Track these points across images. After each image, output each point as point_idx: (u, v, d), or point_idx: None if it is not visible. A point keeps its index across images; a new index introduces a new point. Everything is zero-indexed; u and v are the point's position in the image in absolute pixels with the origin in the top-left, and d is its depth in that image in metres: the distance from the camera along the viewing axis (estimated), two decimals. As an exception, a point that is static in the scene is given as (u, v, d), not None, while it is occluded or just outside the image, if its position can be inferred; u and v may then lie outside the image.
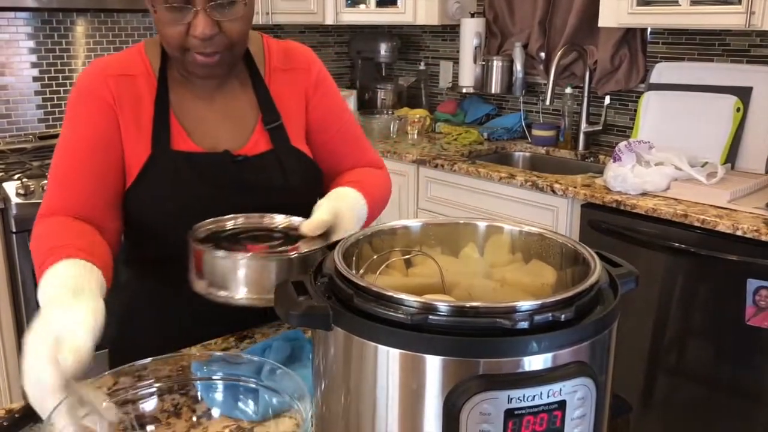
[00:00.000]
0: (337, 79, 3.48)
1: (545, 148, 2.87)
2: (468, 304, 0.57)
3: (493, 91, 3.00)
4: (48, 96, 2.72)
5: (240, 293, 0.89)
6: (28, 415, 0.90)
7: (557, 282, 0.74)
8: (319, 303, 0.63)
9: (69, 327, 0.79)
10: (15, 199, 2.08)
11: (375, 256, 0.77)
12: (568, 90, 2.81)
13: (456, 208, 2.61)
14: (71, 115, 1.14)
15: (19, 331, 2.20)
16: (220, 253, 0.91)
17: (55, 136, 2.63)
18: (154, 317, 1.19)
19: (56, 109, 2.75)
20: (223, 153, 1.14)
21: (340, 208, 1.06)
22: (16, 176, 2.19)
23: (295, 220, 1.05)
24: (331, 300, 0.64)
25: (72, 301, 0.84)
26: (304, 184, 1.19)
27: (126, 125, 1.12)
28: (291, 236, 1.01)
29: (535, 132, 2.92)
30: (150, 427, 0.84)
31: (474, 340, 0.56)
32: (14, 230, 2.09)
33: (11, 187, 2.11)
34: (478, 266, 0.79)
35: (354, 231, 1.02)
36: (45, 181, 2.14)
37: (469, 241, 0.81)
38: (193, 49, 1.07)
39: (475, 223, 0.81)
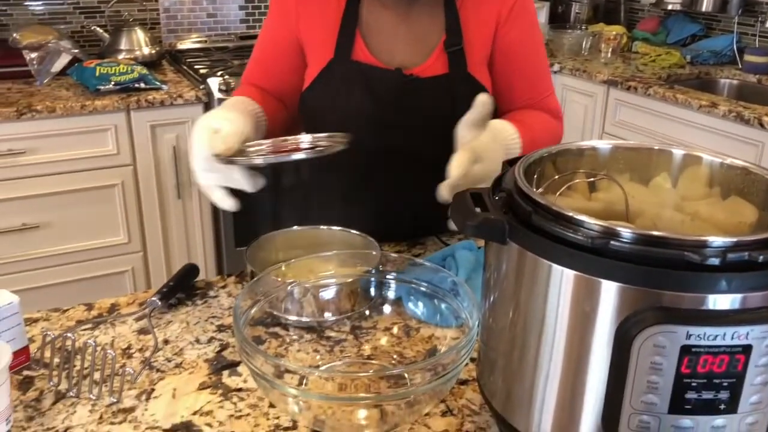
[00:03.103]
0: (530, -11, 3.33)
1: (758, 76, 2.59)
2: (655, 233, 0.55)
3: (703, 9, 2.73)
4: (250, -3, 2.87)
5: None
6: (188, 274, 1.05)
7: (758, 222, 0.69)
8: (496, 216, 0.64)
9: (223, 123, 0.98)
10: (217, 95, 2.25)
11: (557, 176, 0.75)
12: (796, 11, 2.48)
13: (645, 135, 2.45)
14: (269, 9, 1.24)
15: (215, 208, 2.42)
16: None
17: (254, 36, 2.79)
18: (331, 213, 1.26)
19: (256, 11, 2.90)
20: (395, 70, 1.15)
21: (483, 140, 0.98)
22: (218, 73, 2.36)
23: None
24: (509, 215, 0.64)
25: (230, 109, 1.04)
26: None
27: (311, 30, 1.17)
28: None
29: (748, 57, 2.63)
30: (327, 314, 0.91)
31: (658, 271, 0.54)
32: (215, 123, 2.27)
33: (214, 83, 2.28)
34: (669, 197, 0.75)
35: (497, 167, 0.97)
36: (244, 79, 2.30)
37: (661, 170, 0.76)
38: None
39: (671, 151, 0.76)
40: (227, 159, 0.94)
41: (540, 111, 1.22)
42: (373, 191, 1.03)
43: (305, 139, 1.03)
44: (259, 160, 0.94)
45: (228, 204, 0.98)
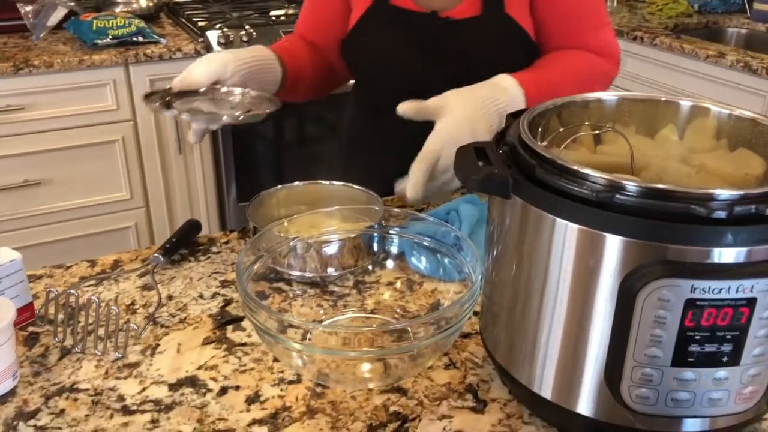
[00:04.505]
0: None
1: (767, 24, 2.54)
2: (660, 186, 0.54)
3: (713, -44, 2.66)
4: (248, -53, 2.81)
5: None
6: (191, 230, 1.05)
7: (765, 174, 0.68)
8: (500, 171, 0.63)
9: (196, 63, 1.06)
10: (216, 48, 2.22)
11: (562, 129, 0.74)
12: (808, -43, 2.42)
13: (652, 87, 2.42)
14: None
15: (217, 164, 2.41)
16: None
17: (253, -13, 2.74)
18: (368, 155, 1.27)
19: (254, -39, 2.84)
20: (431, 14, 1.13)
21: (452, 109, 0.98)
22: (217, 25, 2.32)
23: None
24: (512, 169, 0.64)
25: (225, 51, 1.10)
26: (508, 55, 1.14)
27: None
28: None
29: (758, 6, 2.58)
30: (330, 269, 0.91)
31: (663, 225, 0.54)
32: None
33: (213, 36, 2.24)
34: (675, 149, 0.74)
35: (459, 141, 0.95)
36: (243, 32, 2.26)
37: (668, 122, 0.75)
38: None
39: (678, 102, 0.75)
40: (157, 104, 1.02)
41: (580, 51, 1.16)
42: (412, 137, 1.02)
43: (236, 92, 1.07)
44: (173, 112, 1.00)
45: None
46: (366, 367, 0.74)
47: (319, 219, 0.90)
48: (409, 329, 0.75)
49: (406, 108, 1.00)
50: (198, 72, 1.04)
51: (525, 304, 0.65)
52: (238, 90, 1.07)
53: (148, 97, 1.04)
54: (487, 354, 0.75)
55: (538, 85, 1.05)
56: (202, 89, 1.05)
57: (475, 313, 0.82)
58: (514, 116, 0.72)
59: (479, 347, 0.80)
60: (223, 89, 1.07)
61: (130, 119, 2.23)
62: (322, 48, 1.26)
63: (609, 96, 0.77)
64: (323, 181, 1.06)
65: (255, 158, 2.41)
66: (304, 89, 1.23)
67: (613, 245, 0.56)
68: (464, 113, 0.97)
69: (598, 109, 0.76)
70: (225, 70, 1.05)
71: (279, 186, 1.06)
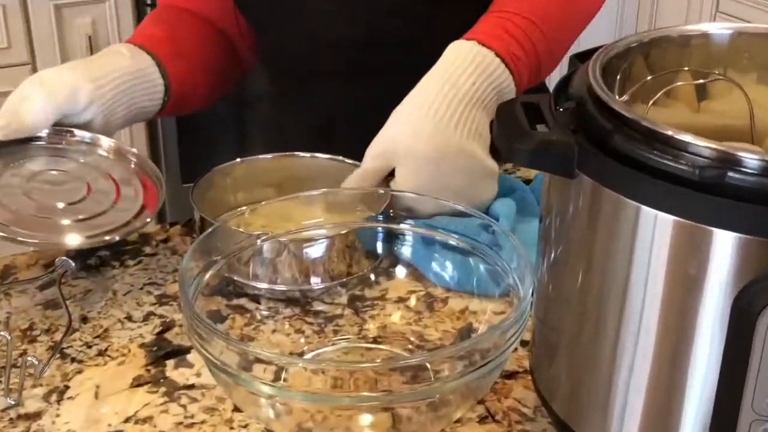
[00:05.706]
0: None
1: None
2: (794, 161, 0.54)
3: None
4: None
5: None
6: None
7: None
8: (560, 137, 0.63)
9: (24, 94, 0.97)
10: None
11: (650, 77, 0.74)
12: None
13: (777, 17, 2.42)
14: None
15: (151, 128, 2.42)
16: None
17: None
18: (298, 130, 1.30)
19: None
20: None
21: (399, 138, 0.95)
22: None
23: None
24: (578, 135, 0.64)
25: (66, 67, 1.04)
26: None
27: None
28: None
29: None
30: (314, 279, 0.92)
31: (797, 217, 0.54)
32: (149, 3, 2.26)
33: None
34: (816, 107, 0.74)
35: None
36: None
37: (804, 66, 0.75)
38: None
39: (819, 36, 0.75)
40: None
41: None
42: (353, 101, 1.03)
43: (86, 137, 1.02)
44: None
45: None
46: (366, 419, 0.74)
47: (295, 208, 0.90)
48: (429, 366, 0.75)
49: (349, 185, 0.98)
50: (31, 112, 0.96)
51: (596, 330, 0.65)
52: (88, 135, 1.01)
53: None
54: (540, 401, 0.75)
55: (509, 32, 0.98)
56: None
57: (523, 344, 0.82)
58: (581, 59, 0.72)
59: (530, 392, 0.81)
60: (72, 137, 1.01)
61: (28, 62, 2.24)
62: (207, 12, 1.23)
63: (718, 29, 0.77)
64: (301, 153, 1.06)
65: (204, 120, 2.41)
66: (200, 91, 1.19)
67: (725, 245, 0.56)
68: (422, 153, 0.94)
69: (702, 47, 0.77)
70: (75, 100, 0.98)
71: (237, 159, 1.06)
